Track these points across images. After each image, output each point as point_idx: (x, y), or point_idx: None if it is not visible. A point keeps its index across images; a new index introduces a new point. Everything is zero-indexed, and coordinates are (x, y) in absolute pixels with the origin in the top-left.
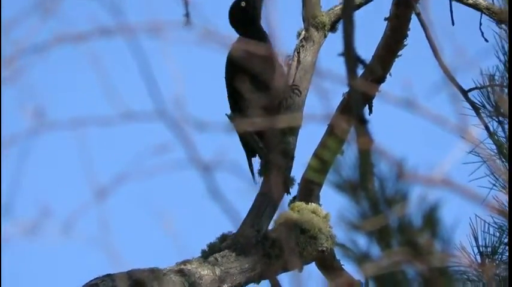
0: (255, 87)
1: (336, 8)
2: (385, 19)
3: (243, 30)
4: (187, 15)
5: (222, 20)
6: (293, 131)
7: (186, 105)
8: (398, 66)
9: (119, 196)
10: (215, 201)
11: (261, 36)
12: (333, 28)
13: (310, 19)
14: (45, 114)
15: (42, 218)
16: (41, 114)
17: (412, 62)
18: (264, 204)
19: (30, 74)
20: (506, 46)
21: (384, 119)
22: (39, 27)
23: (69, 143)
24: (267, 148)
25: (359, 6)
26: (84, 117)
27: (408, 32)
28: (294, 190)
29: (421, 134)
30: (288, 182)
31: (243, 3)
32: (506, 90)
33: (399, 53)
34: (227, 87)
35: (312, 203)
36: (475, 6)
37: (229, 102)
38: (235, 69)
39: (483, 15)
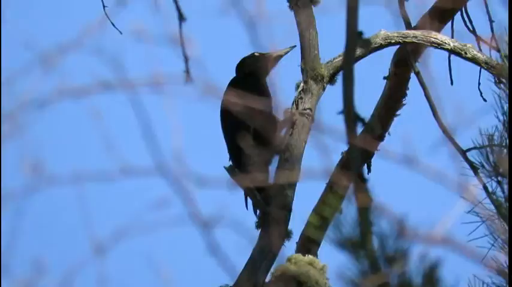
0: (253, 141)
1: (335, 61)
2: (384, 78)
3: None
4: (187, 71)
5: (222, 75)
6: (291, 184)
7: (186, 160)
8: (397, 124)
9: (118, 251)
10: (214, 256)
11: (260, 86)
12: (331, 80)
13: (309, 71)
14: (44, 169)
15: (38, 275)
16: (40, 169)
17: (412, 121)
18: (261, 258)
19: (31, 128)
20: (506, 106)
21: (383, 177)
22: (41, 81)
23: (68, 198)
24: (265, 201)
25: (357, 59)
26: (83, 172)
27: (407, 91)
28: (292, 249)
29: (421, 192)
30: (285, 235)
31: (256, 53)
32: (505, 150)
33: (398, 112)
34: (224, 138)
35: (309, 255)
36: (474, 60)
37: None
38: (230, 121)
39: (482, 70)
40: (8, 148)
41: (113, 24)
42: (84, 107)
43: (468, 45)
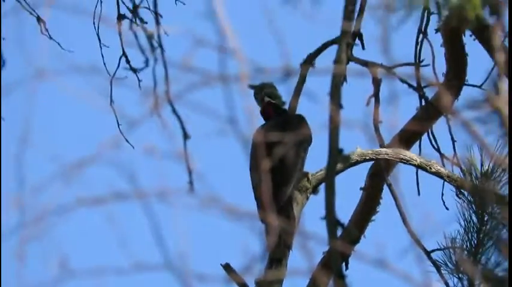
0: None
1: (318, 174)
2: (361, 189)
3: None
4: (191, 182)
5: (221, 187)
6: (278, 281)
7: (190, 259)
8: (371, 229)
9: None
10: None
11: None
12: (314, 191)
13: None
14: (68, 264)
15: None
16: (65, 265)
17: (384, 226)
18: None
19: (56, 231)
20: (467, 213)
21: (359, 276)
22: (62, 191)
23: None
24: None
25: (337, 172)
26: (102, 267)
27: (381, 200)
28: None
29: None
30: None
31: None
32: (465, 252)
33: (373, 218)
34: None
35: None
36: (438, 174)
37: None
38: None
39: (445, 183)
40: (35, 248)
41: (127, 140)
42: (101, 214)
43: (432, 161)
